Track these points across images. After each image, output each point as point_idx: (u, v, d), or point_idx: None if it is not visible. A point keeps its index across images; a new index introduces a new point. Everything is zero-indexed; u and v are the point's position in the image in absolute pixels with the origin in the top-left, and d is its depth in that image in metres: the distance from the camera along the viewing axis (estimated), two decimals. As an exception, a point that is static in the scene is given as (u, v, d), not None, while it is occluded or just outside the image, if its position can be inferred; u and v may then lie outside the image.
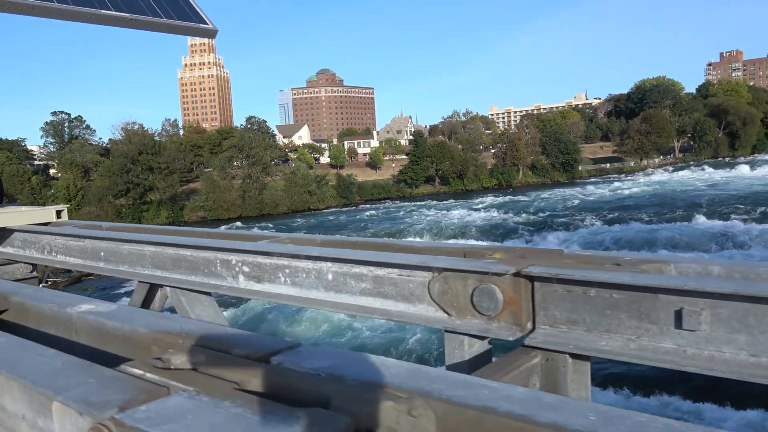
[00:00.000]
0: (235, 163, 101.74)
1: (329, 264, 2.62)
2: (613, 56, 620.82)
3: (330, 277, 2.63)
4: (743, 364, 1.68)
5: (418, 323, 2.33)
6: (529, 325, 2.06)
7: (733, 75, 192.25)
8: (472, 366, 2.24)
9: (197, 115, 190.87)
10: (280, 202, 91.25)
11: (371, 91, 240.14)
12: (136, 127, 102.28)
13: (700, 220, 52.25)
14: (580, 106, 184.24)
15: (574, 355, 2.01)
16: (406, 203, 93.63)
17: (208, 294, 3.43)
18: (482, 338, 2.27)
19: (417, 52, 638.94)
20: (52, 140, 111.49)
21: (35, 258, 4.52)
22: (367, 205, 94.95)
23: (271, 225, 74.30)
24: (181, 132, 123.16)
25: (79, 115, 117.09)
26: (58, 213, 4.97)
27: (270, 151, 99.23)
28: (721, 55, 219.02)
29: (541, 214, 66.73)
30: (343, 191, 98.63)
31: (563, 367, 2.01)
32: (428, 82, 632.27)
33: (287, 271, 2.79)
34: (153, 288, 3.62)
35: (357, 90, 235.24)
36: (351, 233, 56.74)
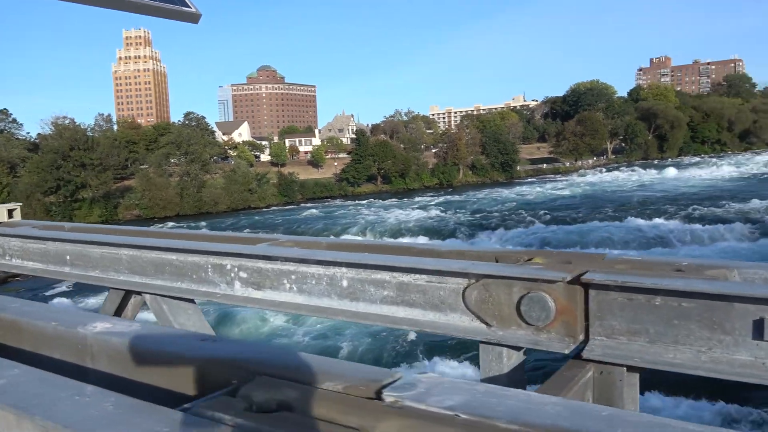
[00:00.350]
0: (172, 160, 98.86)
1: (344, 269, 2.40)
2: (550, 60, 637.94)
3: (345, 283, 2.40)
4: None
5: (450, 334, 2.14)
6: (582, 336, 1.91)
7: (662, 80, 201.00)
8: (510, 379, 2.08)
9: (132, 110, 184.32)
10: (219, 201, 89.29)
11: (313, 89, 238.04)
12: (67, 121, 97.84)
13: (631, 219, 54.28)
14: (519, 107, 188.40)
15: (629, 368, 1.87)
16: (349, 202, 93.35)
17: (192, 301, 3.14)
18: (518, 349, 2.11)
19: (359, 51, 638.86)
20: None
21: (-17, 262, 4.07)
22: (309, 204, 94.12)
23: (204, 224, 72.51)
24: (115, 127, 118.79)
25: (5, 108, 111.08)
26: (10, 212, 4.53)
27: (209, 148, 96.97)
28: (651, 60, 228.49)
29: (481, 213, 67.78)
30: (285, 190, 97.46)
31: (619, 381, 1.86)
32: (370, 81, 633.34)
33: (293, 277, 2.55)
34: (127, 295, 3.29)
35: (298, 87, 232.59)
36: (294, 232, 56.06)
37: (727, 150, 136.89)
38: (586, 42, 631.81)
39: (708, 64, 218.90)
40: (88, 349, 1.57)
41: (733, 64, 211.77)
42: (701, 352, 1.72)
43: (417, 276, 2.21)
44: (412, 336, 19.80)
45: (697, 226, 48.25)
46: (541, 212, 63.59)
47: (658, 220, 52.83)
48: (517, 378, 2.09)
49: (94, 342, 1.56)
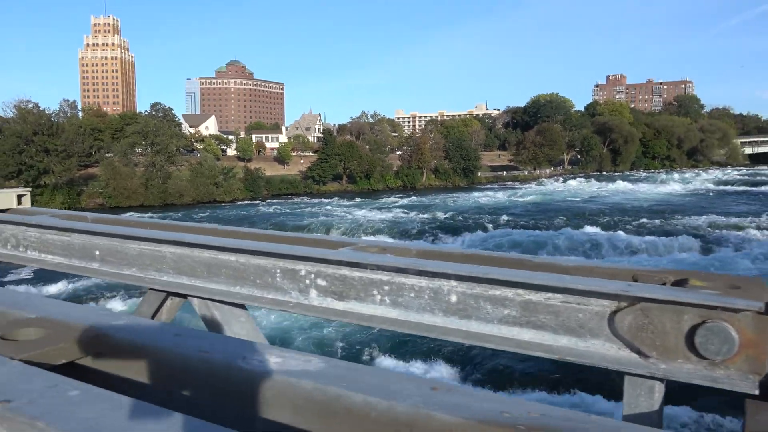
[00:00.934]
0: (137, 150, 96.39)
1: (453, 282, 2.07)
2: (512, 71, 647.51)
3: (454, 298, 2.07)
4: None
5: (590, 363, 1.84)
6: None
7: (617, 97, 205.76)
8: (659, 415, 1.79)
9: (98, 97, 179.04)
10: (184, 193, 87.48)
11: (281, 87, 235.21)
12: (30, 105, 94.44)
13: (588, 228, 55.26)
14: (481, 115, 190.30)
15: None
16: (314, 200, 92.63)
17: (243, 307, 2.76)
18: (661, 382, 1.81)
19: (328, 51, 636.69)
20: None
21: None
22: (275, 200, 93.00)
23: (171, 214, 70.90)
24: (80, 114, 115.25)
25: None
26: (20, 198, 4.04)
27: (176, 140, 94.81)
28: (608, 77, 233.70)
29: (445, 216, 67.94)
30: (251, 185, 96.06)
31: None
32: (337, 81, 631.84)
33: (386, 288, 2.20)
34: (168, 297, 2.88)
35: (267, 84, 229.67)
36: (259, 227, 55.13)
37: (675, 166, 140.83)
38: (547, 56, 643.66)
39: (661, 84, 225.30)
40: (275, 395, 1.16)
41: (683, 86, 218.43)
42: None
43: (549, 295, 1.90)
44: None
45: (650, 237, 49.46)
46: (503, 217, 64.24)
47: (613, 231, 53.89)
48: (660, 413, 1.81)
49: (282, 385, 1.17)
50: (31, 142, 79.24)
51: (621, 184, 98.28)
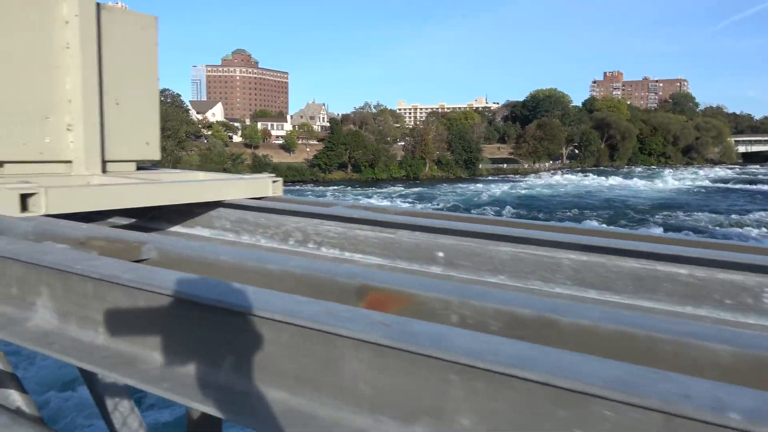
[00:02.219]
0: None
1: None
2: (512, 66, 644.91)
3: None
4: None
5: None
6: None
7: (614, 93, 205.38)
8: None
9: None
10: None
11: (285, 75, 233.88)
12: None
13: (587, 223, 55.05)
14: (481, 108, 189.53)
15: None
16: (321, 187, 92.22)
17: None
18: None
19: (331, 41, 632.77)
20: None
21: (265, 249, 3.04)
22: (282, 187, 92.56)
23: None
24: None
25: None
26: (274, 183, 3.70)
27: (186, 126, 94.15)
28: (605, 74, 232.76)
29: (449, 206, 67.78)
30: (258, 171, 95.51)
31: None
32: (340, 72, 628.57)
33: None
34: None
35: (272, 73, 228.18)
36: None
37: (670, 163, 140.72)
38: (546, 51, 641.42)
39: (656, 81, 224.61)
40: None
41: (678, 84, 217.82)
42: None
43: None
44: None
45: (657, 231, 49.25)
46: (507, 209, 64.02)
47: (616, 225, 53.73)
48: None
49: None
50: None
51: (621, 179, 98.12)
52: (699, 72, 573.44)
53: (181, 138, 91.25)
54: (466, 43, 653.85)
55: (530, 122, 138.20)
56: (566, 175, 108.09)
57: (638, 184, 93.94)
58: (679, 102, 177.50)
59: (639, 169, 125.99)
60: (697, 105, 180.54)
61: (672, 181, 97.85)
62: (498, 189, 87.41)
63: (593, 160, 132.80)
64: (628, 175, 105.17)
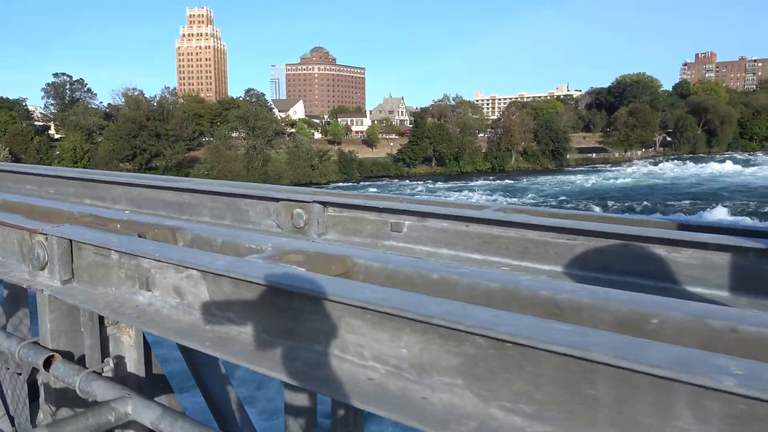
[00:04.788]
0: (233, 135, 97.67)
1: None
2: (593, 51, 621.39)
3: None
4: None
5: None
6: None
7: (706, 75, 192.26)
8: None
9: (193, 85, 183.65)
10: (283, 175, 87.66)
11: (362, 71, 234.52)
12: (136, 93, 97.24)
13: (704, 214, 50.62)
14: (563, 96, 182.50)
15: None
16: (406, 181, 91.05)
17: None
18: None
19: (406, 36, 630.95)
20: (53, 102, 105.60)
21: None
22: (368, 182, 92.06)
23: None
24: (180, 101, 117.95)
25: (81, 78, 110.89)
26: None
27: (275, 124, 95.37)
28: (696, 56, 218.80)
29: (549, 199, 64.74)
30: (344, 167, 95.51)
31: None
32: (415, 66, 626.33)
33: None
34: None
35: (349, 69, 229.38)
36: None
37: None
38: (630, 34, 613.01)
39: (755, 61, 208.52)
40: None
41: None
42: None
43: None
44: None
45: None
46: (610, 203, 60.38)
47: (741, 216, 49.22)
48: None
49: None
50: (144, 127, 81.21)
51: (728, 166, 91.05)
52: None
53: (270, 137, 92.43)
54: (545, 30, 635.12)
55: (616, 109, 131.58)
56: (665, 164, 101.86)
57: (755, 169, 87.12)
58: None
59: (741, 154, 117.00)
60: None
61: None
62: (591, 179, 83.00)
63: (689, 147, 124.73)
64: (735, 161, 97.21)
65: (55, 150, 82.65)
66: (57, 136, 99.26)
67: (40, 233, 2.59)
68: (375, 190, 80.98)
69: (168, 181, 4.08)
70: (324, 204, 3.54)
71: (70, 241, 2.56)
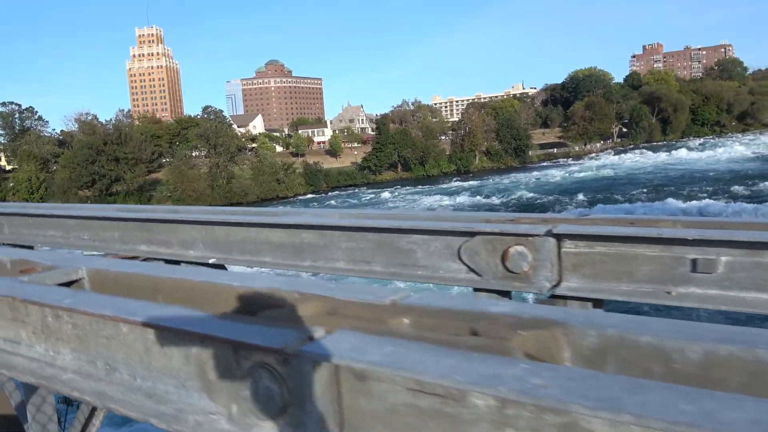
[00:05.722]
0: (194, 154, 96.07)
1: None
2: (545, 48, 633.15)
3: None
4: None
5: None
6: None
7: (655, 66, 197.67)
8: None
9: (147, 105, 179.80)
10: (248, 191, 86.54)
11: (319, 82, 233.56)
12: (89, 118, 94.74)
13: (670, 200, 51.74)
14: (519, 95, 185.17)
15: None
16: (374, 189, 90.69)
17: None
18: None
19: (360, 44, 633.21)
20: (2, 132, 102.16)
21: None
22: (335, 192, 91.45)
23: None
24: (136, 123, 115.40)
25: (30, 106, 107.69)
26: None
27: (236, 140, 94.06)
28: (644, 47, 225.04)
29: (515, 198, 65.29)
30: (311, 179, 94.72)
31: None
32: (372, 73, 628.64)
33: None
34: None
35: (305, 80, 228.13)
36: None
37: (726, 131, 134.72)
38: (578, 30, 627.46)
39: (699, 49, 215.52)
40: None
41: (723, 49, 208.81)
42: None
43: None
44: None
45: (745, 204, 45.89)
46: (579, 196, 61.15)
47: (700, 200, 50.44)
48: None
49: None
50: (102, 152, 79.00)
51: (681, 153, 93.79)
52: (744, 35, 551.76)
53: (233, 153, 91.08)
54: (497, 31, 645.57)
55: (571, 104, 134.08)
56: (624, 155, 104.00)
57: (706, 154, 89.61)
58: (726, 68, 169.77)
59: (695, 140, 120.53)
60: (746, 69, 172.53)
61: (739, 148, 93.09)
62: (555, 174, 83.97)
63: (645, 136, 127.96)
64: (688, 148, 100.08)
65: (9, 182, 79.63)
66: (9, 168, 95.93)
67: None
68: (345, 199, 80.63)
69: (272, 216, 3.14)
70: (558, 237, 2.32)
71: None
